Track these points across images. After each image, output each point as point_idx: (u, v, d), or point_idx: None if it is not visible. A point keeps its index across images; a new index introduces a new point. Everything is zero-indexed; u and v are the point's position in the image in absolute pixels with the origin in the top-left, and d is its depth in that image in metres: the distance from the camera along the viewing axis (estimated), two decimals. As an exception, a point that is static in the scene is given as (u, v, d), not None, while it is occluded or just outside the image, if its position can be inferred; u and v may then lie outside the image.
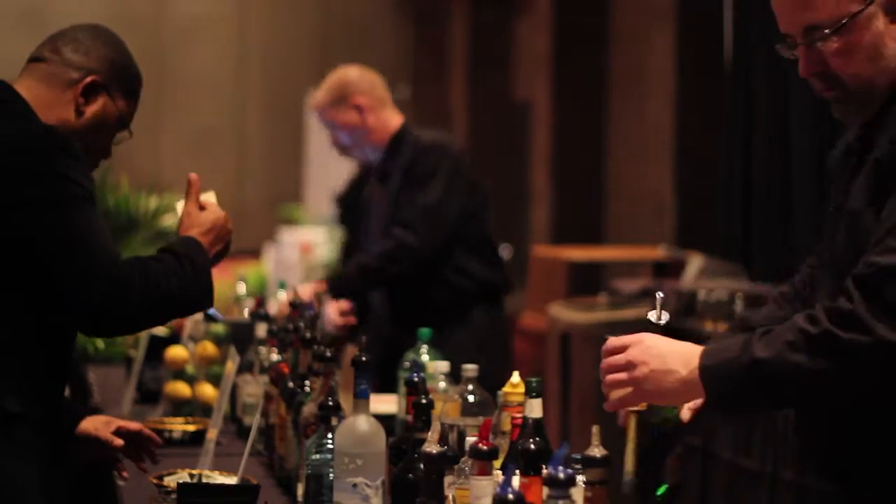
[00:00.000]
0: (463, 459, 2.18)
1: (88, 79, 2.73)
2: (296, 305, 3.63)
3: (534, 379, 2.40)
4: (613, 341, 2.22)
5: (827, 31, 2.19)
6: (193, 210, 2.89)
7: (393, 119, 4.53)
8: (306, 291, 4.26)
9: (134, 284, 2.55)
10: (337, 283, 4.41)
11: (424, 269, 4.35)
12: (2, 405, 2.51)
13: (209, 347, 3.75)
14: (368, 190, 4.73)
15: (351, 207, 6.30)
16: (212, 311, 3.98)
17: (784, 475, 4.54)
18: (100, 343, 4.58)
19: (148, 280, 2.57)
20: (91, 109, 2.74)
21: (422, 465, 2.05)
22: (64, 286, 2.51)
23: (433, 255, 4.33)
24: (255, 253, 13.11)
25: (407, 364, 3.29)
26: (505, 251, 7.99)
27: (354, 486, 2.29)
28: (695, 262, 6.01)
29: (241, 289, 4.61)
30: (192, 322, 3.93)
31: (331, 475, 2.40)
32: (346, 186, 8.31)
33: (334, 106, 4.46)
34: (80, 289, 2.51)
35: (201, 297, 2.72)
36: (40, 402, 2.57)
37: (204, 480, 2.81)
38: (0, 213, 2.51)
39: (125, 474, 2.87)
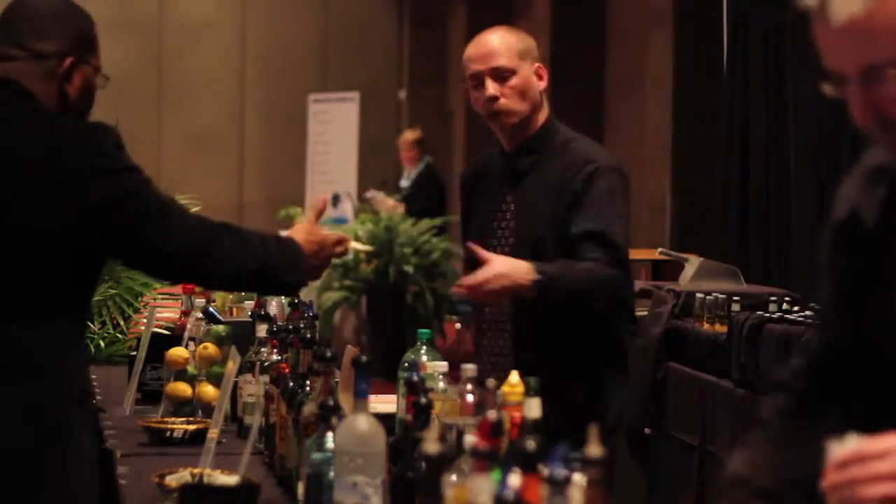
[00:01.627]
0: (462, 458, 2.20)
1: (66, 63, 2.78)
2: (296, 305, 3.65)
3: (533, 378, 2.42)
4: (867, 449, 1.74)
5: (892, 72, 1.87)
6: (311, 222, 3.21)
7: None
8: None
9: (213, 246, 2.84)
10: (548, 272, 3.60)
11: None
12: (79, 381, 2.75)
13: (210, 348, 3.76)
14: None
15: None
16: (212, 311, 4.01)
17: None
18: (101, 343, 4.60)
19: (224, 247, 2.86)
20: (76, 85, 2.80)
21: (421, 464, 2.07)
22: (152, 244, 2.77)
23: None
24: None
25: (407, 364, 3.30)
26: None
27: (354, 485, 2.30)
28: (692, 264, 6.03)
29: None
30: (193, 322, 3.95)
31: (331, 474, 2.41)
32: None
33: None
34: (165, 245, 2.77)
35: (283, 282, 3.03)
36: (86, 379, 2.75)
37: (205, 480, 2.83)
38: (78, 216, 2.66)
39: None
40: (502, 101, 3.70)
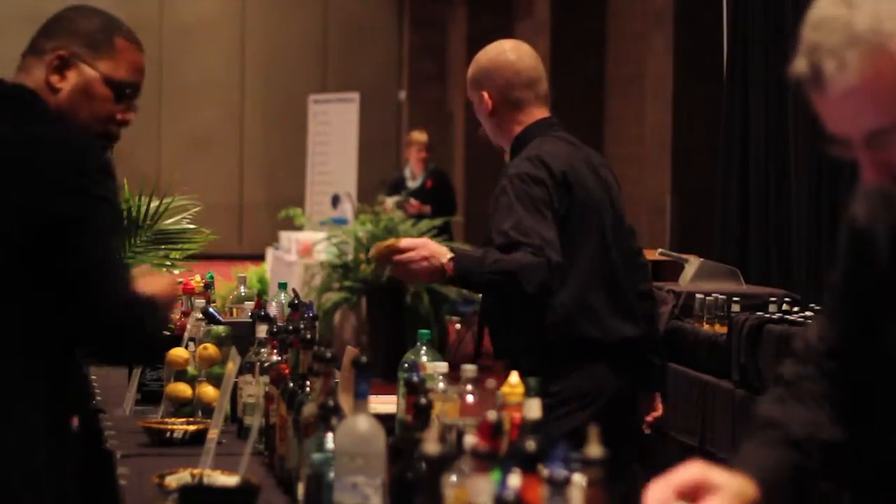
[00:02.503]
0: (462, 459, 2.20)
1: (58, 53, 2.76)
2: (296, 306, 3.65)
3: (533, 378, 2.42)
4: None
5: None
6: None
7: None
8: None
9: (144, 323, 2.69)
10: (462, 262, 3.80)
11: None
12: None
13: (210, 348, 3.76)
14: None
15: None
16: (212, 311, 4.01)
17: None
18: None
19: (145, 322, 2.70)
20: (68, 84, 2.76)
21: (421, 465, 2.07)
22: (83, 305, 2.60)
23: None
24: (255, 255, 13.13)
25: (406, 364, 3.31)
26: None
27: (355, 485, 2.30)
28: (692, 265, 6.03)
29: (242, 290, 4.63)
30: (193, 323, 3.95)
31: (331, 475, 2.42)
32: None
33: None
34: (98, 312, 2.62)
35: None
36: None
37: (205, 480, 2.83)
38: (37, 221, 2.57)
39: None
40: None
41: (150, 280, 2.88)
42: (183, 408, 3.69)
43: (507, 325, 3.93)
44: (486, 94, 3.93)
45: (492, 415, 2.14)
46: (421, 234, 10.05)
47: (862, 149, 1.86)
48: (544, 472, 1.84)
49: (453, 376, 3.03)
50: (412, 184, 11.81)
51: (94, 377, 4.19)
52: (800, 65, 1.88)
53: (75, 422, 2.85)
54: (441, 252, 3.72)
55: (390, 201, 10.98)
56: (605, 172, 4.02)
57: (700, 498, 1.91)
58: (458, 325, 10.57)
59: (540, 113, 3.98)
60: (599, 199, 3.93)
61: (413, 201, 11.26)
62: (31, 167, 2.60)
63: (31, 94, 2.73)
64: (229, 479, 2.82)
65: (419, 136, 11.92)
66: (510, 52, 3.96)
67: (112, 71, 2.80)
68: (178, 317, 4.38)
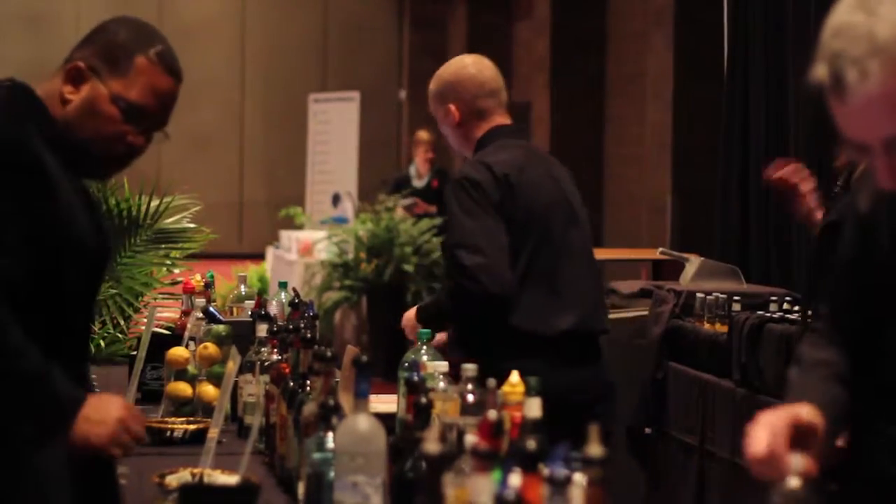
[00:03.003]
0: (462, 458, 2.20)
1: (71, 65, 2.68)
2: (296, 305, 3.65)
3: (533, 378, 2.42)
4: None
5: None
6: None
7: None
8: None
9: None
10: (421, 312, 4.24)
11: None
12: None
13: (210, 347, 3.76)
14: None
15: None
16: (212, 310, 4.01)
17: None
18: (101, 343, 4.60)
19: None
20: (79, 97, 2.67)
21: (422, 464, 2.07)
22: None
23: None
24: (255, 254, 13.13)
25: (407, 364, 3.31)
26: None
27: (355, 484, 2.30)
28: (693, 264, 6.03)
29: (242, 289, 4.63)
30: (194, 322, 3.95)
31: (331, 474, 2.41)
32: None
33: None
34: None
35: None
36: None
37: (205, 480, 2.83)
38: None
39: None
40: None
41: (99, 405, 2.59)
42: (183, 407, 3.69)
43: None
44: (452, 107, 4.15)
45: (492, 414, 2.14)
46: (421, 234, 10.05)
47: (880, 155, 1.89)
48: (545, 471, 1.84)
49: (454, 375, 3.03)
50: (418, 183, 11.77)
51: (94, 376, 4.19)
52: (820, 71, 1.89)
53: None
54: (411, 313, 4.14)
55: (403, 203, 10.94)
56: (566, 181, 4.21)
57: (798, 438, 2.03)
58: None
59: (502, 120, 4.19)
60: (550, 202, 4.08)
61: (419, 202, 11.25)
62: None
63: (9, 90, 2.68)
64: (229, 479, 2.82)
65: (426, 135, 11.85)
66: (471, 66, 4.18)
67: (123, 90, 2.68)
68: (178, 316, 4.38)
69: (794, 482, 1.86)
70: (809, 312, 4.24)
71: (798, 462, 1.90)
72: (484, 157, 4.06)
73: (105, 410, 2.58)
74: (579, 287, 4.07)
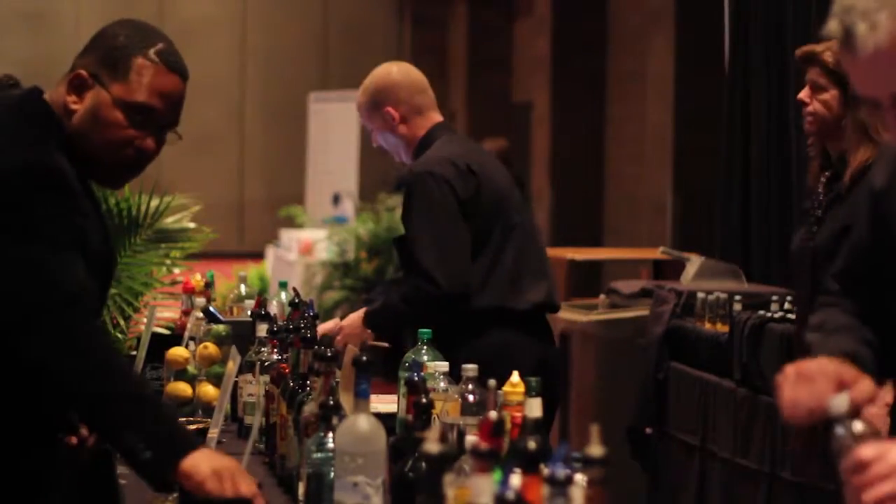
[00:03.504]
0: (463, 458, 2.20)
1: (77, 73, 2.64)
2: (296, 305, 3.65)
3: (533, 378, 2.42)
4: (866, 453, 1.83)
5: None
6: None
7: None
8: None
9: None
10: (370, 318, 4.24)
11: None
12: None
13: (210, 347, 3.76)
14: None
15: None
16: (212, 310, 4.01)
17: (782, 475, 4.56)
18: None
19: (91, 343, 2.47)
20: (83, 106, 2.63)
21: (422, 464, 2.06)
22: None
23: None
24: (255, 253, 13.13)
25: (407, 364, 3.30)
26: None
27: (355, 485, 2.30)
28: (694, 263, 6.02)
29: (242, 289, 4.63)
30: (194, 322, 3.95)
31: (331, 474, 2.41)
32: None
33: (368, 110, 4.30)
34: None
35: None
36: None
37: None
38: None
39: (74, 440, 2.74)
40: (381, 146, 4.34)
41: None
42: (183, 407, 3.69)
43: None
44: (390, 109, 4.22)
45: (493, 414, 2.13)
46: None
47: (890, 110, 1.93)
48: (545, 471, 1.84)
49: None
50: None
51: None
52: (832, 26, 1.94)
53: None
54: (356, 320, 4.16)
55: None
56: (504, 167, 4.41)
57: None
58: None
59: (437, 117, 4.30)
60: (506, 188, 4.25)
61: None
62: None
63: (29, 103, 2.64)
64: (229, 479, 2.81)
65: None
66: (396, 70, 4.33)
67: (125, 93, 2.64)
68: (178, 316, 4.38)
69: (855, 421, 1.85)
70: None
71: (842, 399, 1.90)
72: (439, 152, 4.17)
73: (227, 461, 2.44)
74: (542, 264, 4.29)
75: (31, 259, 2.44)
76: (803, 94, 3.98)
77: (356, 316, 4.18)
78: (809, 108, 3.96)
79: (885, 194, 2.25)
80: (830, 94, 3.91)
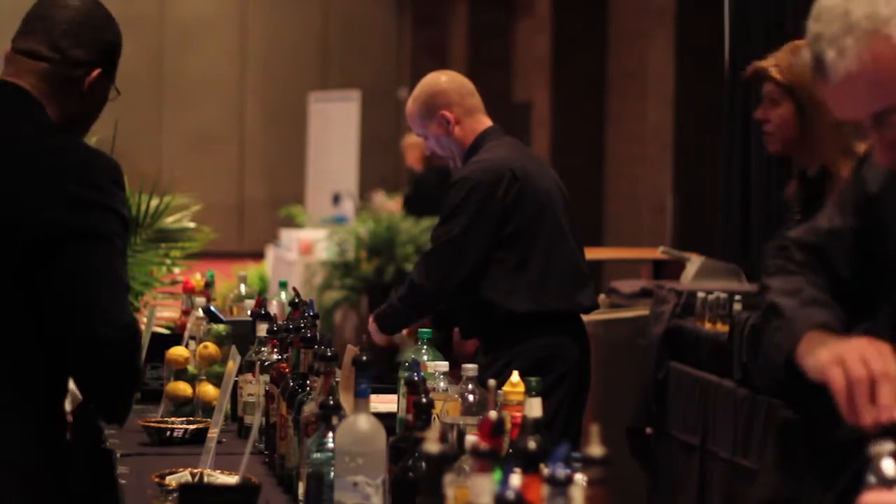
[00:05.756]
0: (463, 458, 2.20)
1: (94, 74, 2.67)
2: (296, 305, 3.65)
3: (533, 378, 2.41)
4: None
5: None
6: None
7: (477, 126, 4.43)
8: None
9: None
10: (378, 319, 4.41)
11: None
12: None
13: (210, 347, 3.76)
14: None
15: None
16: (212, 310, 4.01)
17: (782, 475, 4.56)
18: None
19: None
20: (95, 97, 2.70)
21: (422, 464, 2.06)
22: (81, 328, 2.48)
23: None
24: (255, 253, 13.13)
25: (407, 364, 3.30)
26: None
27: (355, 484, 2.30)
28: (694, 263, 6.02)
29: (242, 289, 4.63)
30: (194, 321, 3.95)
31: (331, 474, 2.41)
32: None
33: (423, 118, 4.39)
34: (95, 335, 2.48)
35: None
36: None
37: (205, 480, 2.83)
38: (46, 238, 2.46)
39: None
40: (435, 152, 4.46)
41: None
42: (183, 407, 3.69)
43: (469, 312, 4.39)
44: (445, 112, 4.34)
45: (493, 414, 2.13)
46: (422, 232, 10.04)
47: (871, 131, 1.96)
48: (545, 471, 1.84)
49: (454, 375, 3.02)
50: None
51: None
52: (804, 56, 1.99)
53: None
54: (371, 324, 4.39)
55: None
56: (552, 170, 4.52)
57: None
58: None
59: (487, 121, 4.42)
60: (550, 192, 4.34)
61: None
62: (34, 178, 2.51)
63: (25, 93, 2.64)
64: (229, 479, 2.82)
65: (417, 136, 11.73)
66: (444, 77, 4.45)
67: (115, 74, 2.79)
68: (178, 316, 4.38)
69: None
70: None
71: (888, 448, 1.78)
72: (486, 157, 4.29)
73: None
74: (584, 266, 4.41)
75: (121, 280, 2.53)
76: (760, 113, 4.01)
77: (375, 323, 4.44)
78: (769, 127, 4.00)
79: (880, 200, 2.21)
80: (785, 107, 3.94)
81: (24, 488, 2.55)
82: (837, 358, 1.98)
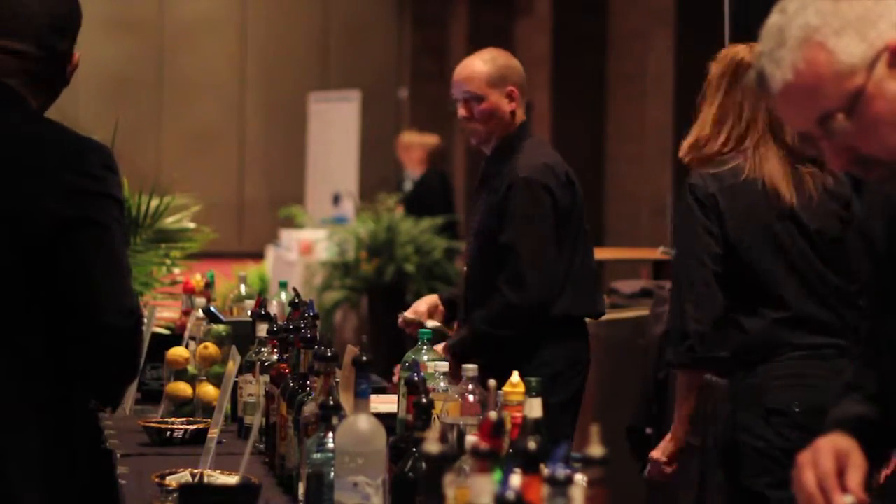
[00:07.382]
0: (463, 458, 2.20)
1: (75, 60, 2.66)
2: (296, 305, 3.65)
3: (533, 378, 2.41)
4: None
5: (840, 115, 2.00)
6: None
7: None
8: (421, 308, 4.33)
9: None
10: (456, 347, 4.16)
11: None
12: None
13: (210, 347, 3.76)
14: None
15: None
16: (212, 310, 4.01)
17: (782, 475, 4.55)
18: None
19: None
20: (70, 74, 2.68)
21: (422, 464, 2.06)
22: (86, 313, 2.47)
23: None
24: (255, 253, 13.13)
25: (407, 364, 3.30)
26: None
27: (355, 484, 2.30)
28: (694, 263, 6.01)
29: (242, 289, 4.63)
30: (194, 322, 3.95)
31: (331, 474, 2.41)
32: None
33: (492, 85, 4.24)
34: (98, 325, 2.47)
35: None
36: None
37: (205, 480, 2.83)
38: (46, 229, 2.45)
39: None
40: (470, 123, 4.28)
41: None
42: (183, 407, 3.69)
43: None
44: (514, 89, 4.24)
45: (493, 414, 2.13)
46: (422, 233, 10.04)
47: (821, 139, 2.03)
48: (545, 471, 1.84)
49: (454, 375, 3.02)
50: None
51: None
52: (751, 74, 2.08)
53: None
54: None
55: None
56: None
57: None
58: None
59: (524, 115, 4.32)
60: (581, 195, 4.32)
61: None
62: (30, 168, 2.49)
63: (8, 88, 2.59)
64: (229, 479, 2.82)
65: (430, 139, 11.60)
66: (514, 58, 4.34)
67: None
68: (178, 316, 4.38)
69: None
70: None
71: (848, 500, 2.00)
72: (538, 157, 4.20)
73: None
74: (594, 270, 4.41)
75: (124, 266, 2.52)
76: None
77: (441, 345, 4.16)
78: None
79: (866, 228, 2.26)
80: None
81: (36, 485, 2.54)
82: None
